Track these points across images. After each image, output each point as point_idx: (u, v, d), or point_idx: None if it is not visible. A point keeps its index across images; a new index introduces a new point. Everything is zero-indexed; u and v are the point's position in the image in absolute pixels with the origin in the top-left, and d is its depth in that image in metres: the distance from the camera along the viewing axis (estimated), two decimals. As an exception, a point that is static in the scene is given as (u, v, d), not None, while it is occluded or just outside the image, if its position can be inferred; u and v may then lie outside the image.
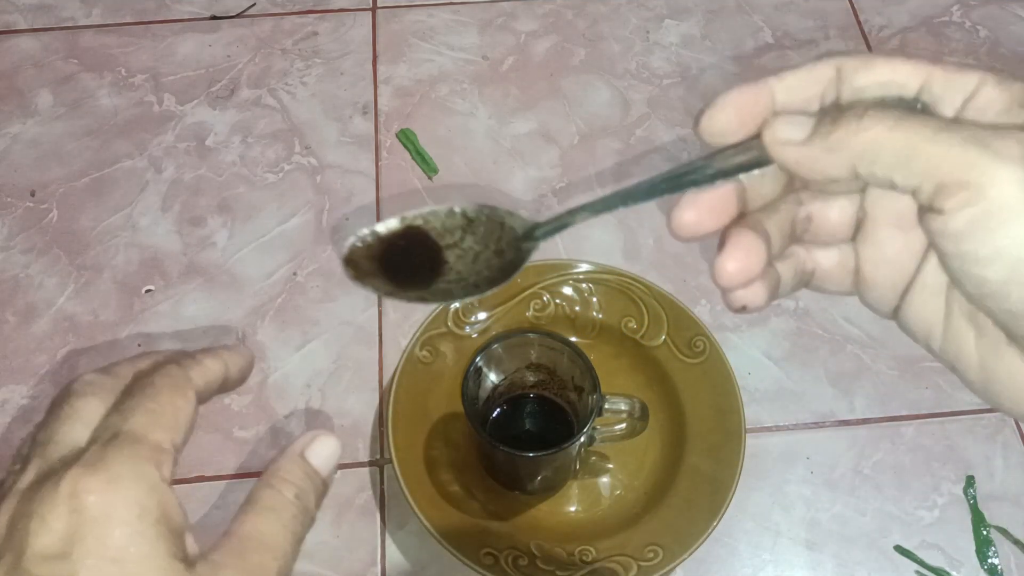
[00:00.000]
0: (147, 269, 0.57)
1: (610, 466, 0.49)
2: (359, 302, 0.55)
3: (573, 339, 0.51)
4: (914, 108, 0.20)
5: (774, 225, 0.22)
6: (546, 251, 0.57)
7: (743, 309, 0.22)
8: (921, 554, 0.47)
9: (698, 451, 0.48)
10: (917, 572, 0.47)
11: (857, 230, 0.22)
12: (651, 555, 0.44)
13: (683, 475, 0.47)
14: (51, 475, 0.19)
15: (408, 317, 0.55)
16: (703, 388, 0.49)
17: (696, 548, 0.44)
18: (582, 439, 0.43)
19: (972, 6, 0.71)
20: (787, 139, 0.20)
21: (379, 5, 0.70)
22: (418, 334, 0.50)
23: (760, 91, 0.21)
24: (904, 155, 0.18)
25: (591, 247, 0.57)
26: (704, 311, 0.55)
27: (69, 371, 0.53)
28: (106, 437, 0.20)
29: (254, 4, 0.70)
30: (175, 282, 0.56)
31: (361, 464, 0.50)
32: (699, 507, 0.45)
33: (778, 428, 0.51)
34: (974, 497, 0.49)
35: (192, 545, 0.20)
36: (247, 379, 0.25)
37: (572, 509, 0.48)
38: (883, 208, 0.21)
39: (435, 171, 0.61)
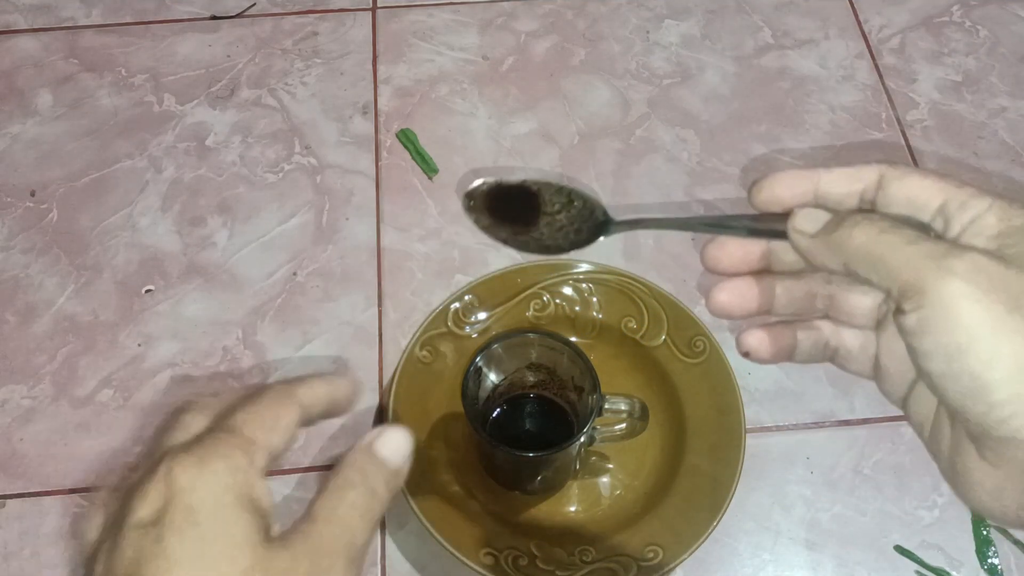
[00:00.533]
0: (147, 269, 0.57)
1: (610, 466, 0.49)
2: (359, 302, 0.55)
3: (573, 339, 0.51)
4: (923, 228, 0.24)
5: (788, 288, 0.27)
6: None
7: (746, 355, 0.27)
8: (921, 554, 0.47)
9: (698, 451, 0.48)
10: (917, 572, 0.47)
11: (879, 322, 0.26)
12: (651, 555, 0.44)
13: (683, 475, 0.47)
14: (156, 463, 0.21)
15: (408, 317, 0.55)
16: (703, 388, 0.49)
17: (696, 548, 0.44)
18: (582, 439, 0.43)
19: (972, 6, 0.71)
20: (802, 230, 0.24)
21: (379, 5, 0.70)
22: (418, 334, 0.50)
23: (809, 179, 0.25)
24: (879, 260, 0.22)
25: (591, 247, 0.57)
26: (704, 311, 0.55)
27: (69, 371, 0.53)
28: (207, 433, 0.22)
29: (254, 4, 0.70)
30: (175, 282, 0.56)
31: (361, 464, 0.50)
32: (699, 507, 0.45)
33: (778, 428, 0.51)
34: (974, 497, 0.49)
35: (276, 530, 0.22)
36: (353, 407, 0.26)
37: (572, 509, 0.48)
38: None
39: (435, 171, 0.61)
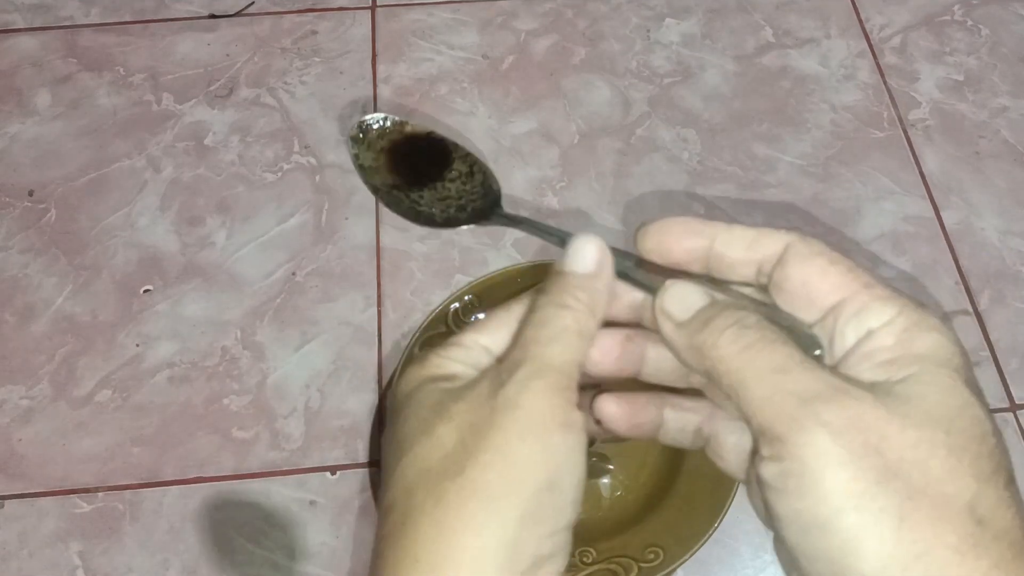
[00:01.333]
0: (146, 269, 0.57)
1: (610, 467, 0.49)
2: (358, 302, 0.55)
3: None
4: (810, 340, 0.20)
5: (660, 354, 0.23)
6: (546, 250, 0.57)
7: (598, 423, 0.23)
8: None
9: (699, 452, 0.47)
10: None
11: None
12: (652, 556, 0.44)
13: (684, 476, 0.47)
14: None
15: (408, 317, 0.54)
16: (704, 388, 0.49)
17: (697, 549, 0.44)
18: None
19: (973, 5, 0.70)
20: (668, 312, 0.21)
21: (378, 4, 0.70)
22: (418, 334, 0.50)
23: (704, 234, 0.21)
24: (740, 385, 0.19)
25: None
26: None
27: (68, 371, 0.53)
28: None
29: (253, 3, 0.70)
30: (174, 282, 0.56)
31: (361, 464, 0.50)
32: (700, 508, 0.45)
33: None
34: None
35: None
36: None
37: (572, 510, 0.48)
38: None
39: (435, 170, 0.61)
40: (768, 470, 0.18)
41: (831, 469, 0.17)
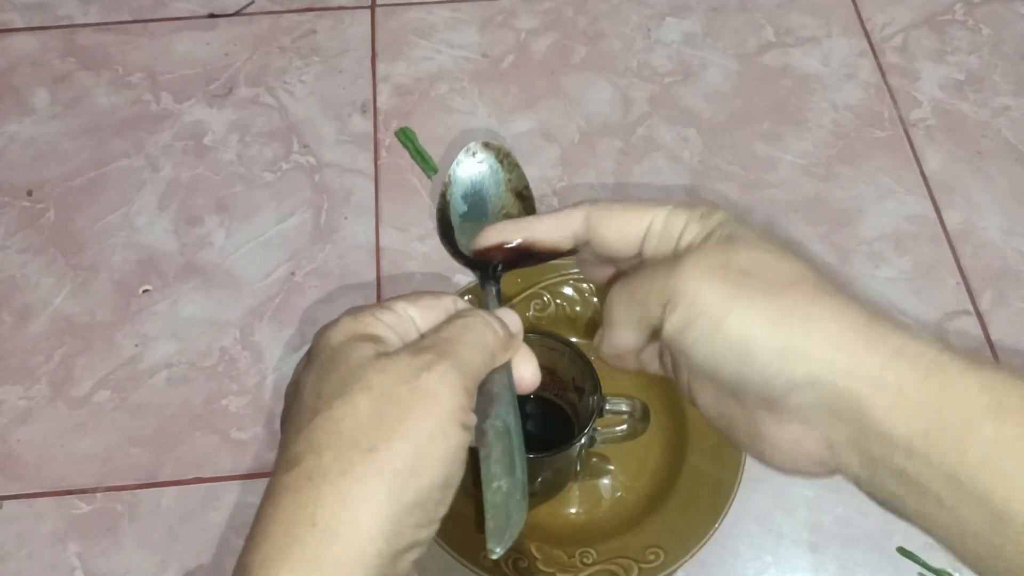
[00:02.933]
0: (144, 269, 0.56)
1: (611, 468, 0.49)
2: (358, 302, 0.55)
3: (574, 339, 0.51)
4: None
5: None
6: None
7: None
8: (924, 556, 0.47)
9: (700, 452, 0.47)
10: (920, 574, 0.47)
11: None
12: (652, 557, 0.44)
13: (685, 476, 0.47)
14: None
15: (407, 317, 0.54)
16: (705, 389, 0.49)
17: (698, 550, 0.43)
18: (583, 441, 0.43)
19: (975, 4, 0.70)
20: (599, 346, 0.29)
21: (378, 2, 0.69)
22: (417, 334, 0.50)
23: (521, 229, 0.28)
24: (637, 299, 0.25)
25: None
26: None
27: (66, 372, 0.52)
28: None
29: (252, 2, 0.69)
30: (172, 282, 0.56)
31: (360, 465, 0.49)
32: (701, 509, 0.45)
33: (780, 429, 0.51)
34: (978, 498, 0.49)
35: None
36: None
37: (573, 511, 0.48)
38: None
39: (435, 170, 0.61)
40: (669, 324, 0.24)
41: (703, 286, 0.24)
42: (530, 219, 0.28)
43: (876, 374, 0.22)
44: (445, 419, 0.23)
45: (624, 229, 0.27)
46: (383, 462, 0.22)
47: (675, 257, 0.25)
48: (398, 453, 0.22)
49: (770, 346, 0.22)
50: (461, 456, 0.23)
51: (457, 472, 0.23)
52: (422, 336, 0.26)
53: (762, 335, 0.23)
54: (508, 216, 0.33)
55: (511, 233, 0.28)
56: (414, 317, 0.26)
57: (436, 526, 0.24)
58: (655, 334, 0.27)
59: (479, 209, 0.33)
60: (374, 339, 0.24)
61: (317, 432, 0.22)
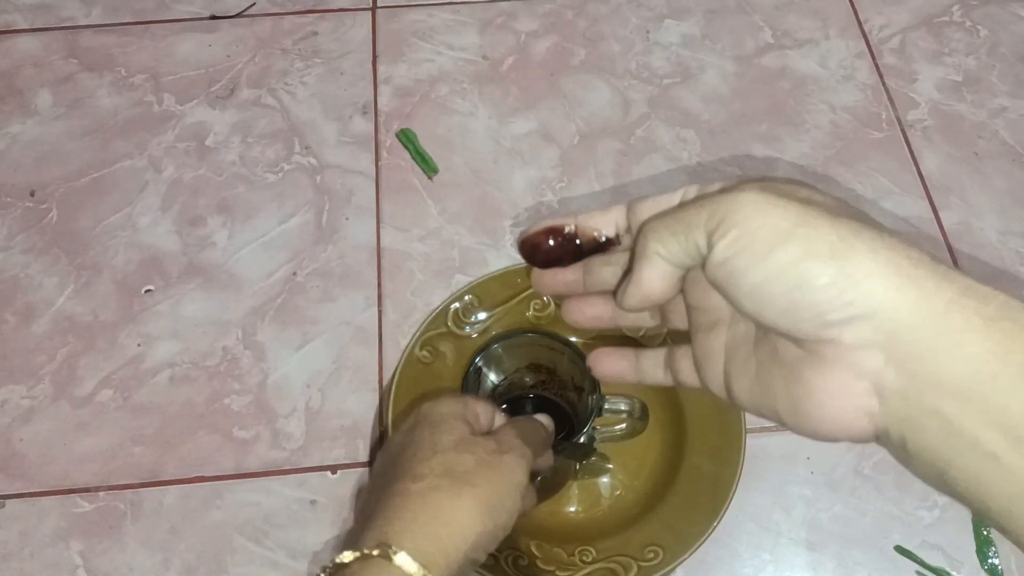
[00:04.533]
0: (147, 269, 0.57)
1: (610, 466, 0.49)
2: (359, 302, 0.55)
3: (573, 339, 0.51)
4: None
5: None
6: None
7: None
8: (922, 554, 0.47)
9: (698, 451, 0.48)
10: (918, 572, 0.47)
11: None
12: (651, 555, 0.44)
13: (683, 475, 0.47)
14: None
15: (408, 317, 0.54)
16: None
17: (696, 548, 0.44)
18: (582, 439, 0.43)
19: (972, 6, 0.70)
20: (622, 292, 0.26)
21: (379, 5, 0.70)
22: (418, 334, 0.50)
23: (566, 220, 0.29)
24: (680, 226, 0.24)
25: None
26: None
27: (69, 371, 0.53)
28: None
29: (254, 4, 0.70)
30: (175, 282, 0.56)
31: (362, 464, 0.50)
32: (699, 507, 0.45)
33: (779, 428, 0.51)
34: (975, 497, 0.49)
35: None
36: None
37: (572, 509, 0.48)
38: (695, 295, 0.26)
39: (435, 171, 0.61)
40: (720, 248, 0.22)
41: (766, 206, 0.22)
42: (577, 215, 0.29)
43: (941, 309, 0.20)
44: (514, 485, 0.34)
45: (660, 204, 0.26)
46: (479, 497, 0.33)
47: (723, 190, 0.24)
48: (489, 494, 0.33)
49: (829, 272, 0.21)
50: (516, 515, 0.34)
51: (510, 524, 0.34)
52: (491, 431, 0.38)
53: (822, 261, 0.21)
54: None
55: (560, 220, 0.28)
56: (480, 414, 0.38)
57: (495, 545, 0.34)
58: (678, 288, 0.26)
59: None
60: (466, 422, 0.37)
61: (437, 466, 0.34)
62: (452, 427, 0.36)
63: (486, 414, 0.39)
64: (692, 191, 0.26)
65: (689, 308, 0.27)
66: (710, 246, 0.23)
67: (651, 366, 0.29)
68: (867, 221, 0.22)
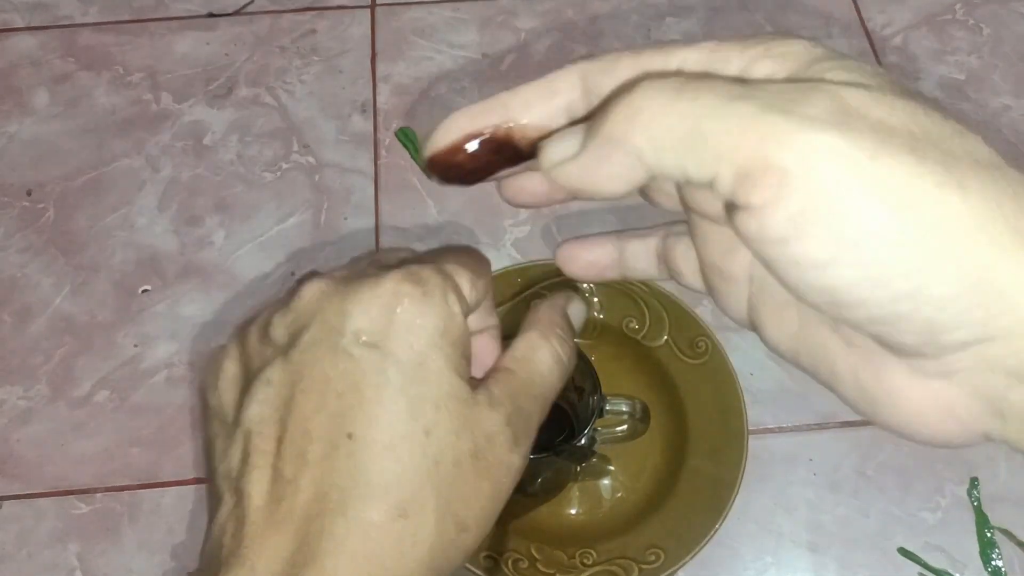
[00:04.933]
0: (144, 269, 0.56)
1: (611, 468, 0.49)
2: (358, 302, 0.55)
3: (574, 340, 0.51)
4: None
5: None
6: (546, 251, 0.56)
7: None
8: (924, 556, 0.47)
9: (700, 453, 0.47)
10: (920, 574, 0.47)
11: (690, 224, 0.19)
12: (652, 558, 0.44)
13: (685, 477, 0.47)
14: (371, 274, 0.21)
15: (407, 317, 0.54)
16: (705, 389, 0.49)
17: (698, 551, 0.43)
18: (583, 441, 0.43)
19: (975, 4, 0.70)
20: (560, 158, 0.16)
21: (378, 2, 0.69)
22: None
23: (490, 109, 0.19)
24: (690, 135, 0.14)
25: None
26: (706, 311, 0.54)
27: (66, 372, 0.52)
28: (422, 262, 0.21)
29: (252, 1, 0.69)
30: (172, 282, 0.56)
31: (360, 466, 0.49)
32: (701, 509, 0.45)
33: (781, 429, 0.51)
34: (978, 499, 0.49)
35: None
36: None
37: (573, 511, 0.48)
38: (697, 200, 0.18)
39: (434, 170, 0.61)
40: (775, 220, 0.14)
41: (858, 177, 0.13)
42: (499, 95, 0.19)
43: None
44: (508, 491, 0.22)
45: (643, 62, 0.17)
46: (468, 541, 0.21)
47: (752, 96, 0.14)
48: (480, 526, 0.21)
49: (961, 281, 0.14)
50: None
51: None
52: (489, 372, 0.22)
53: (951, 264, 0.14)
54: None
55: (481, 117, 0.19)
56: (485, 337, 0.24)
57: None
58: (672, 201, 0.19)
59: None
60: (464, 359, 0.22)
61: (417, 478, 0.21)
62: (443, 382, 0.20)
63: (491, 342, 0.23)
64: (693, 57, 0.16)
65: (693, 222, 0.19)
66: (744, 200, 0.14)
67: (639, 256, 0.21)
68: (989, 160, 0.14)
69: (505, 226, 0.58)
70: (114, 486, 0.49)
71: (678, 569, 0.44)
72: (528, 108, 0.18)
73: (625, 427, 0.46)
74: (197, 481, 0.49)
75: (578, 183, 0.16)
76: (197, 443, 0.50)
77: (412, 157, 0.61)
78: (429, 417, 0.19)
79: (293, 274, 0.56)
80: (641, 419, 0.45)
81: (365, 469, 0.18)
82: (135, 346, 0.53)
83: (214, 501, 0.20)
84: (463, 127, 0.19)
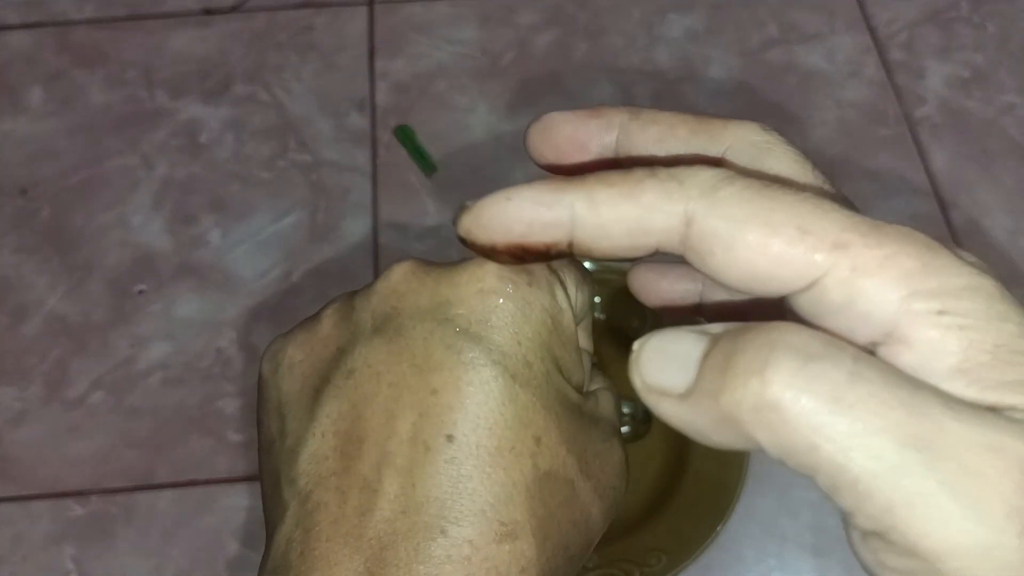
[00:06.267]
0: (139, 269, 0.56)
1: (612, 470, 0.48)
2: (356, 302, 0.54)
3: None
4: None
5: None
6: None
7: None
8: (930, 560, 0.47)
9: (702, 455, 0.47)
10: (926, 578, 0.46)
11: None
12: (654, 561, 0.44)
13: (687, 479, 0.46)
14: (469, 259, 0.18)
15: (406, 317, 0.54)
16: (707, 390, 0.48)
17: (700, 553, 0.43)
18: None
19: (981, 1, 0.69)
20: (659, 387, 0.13)
21: (376, -1, 0.69)
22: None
23: (558, 224, 0.15)
24: (820, 462, 0.12)
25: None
26: (708, 311, 0.54)
27: (60, 373, 0.52)
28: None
29: (249, -2, 0.69)
30: (167, 282, 0.55)
31: (358, 468, 0.49)
32: (703, 512, 0.44)
33: (783, 431, 0.50)
34: (984, 501, 0.48)
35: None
36: None
37: (573, 514, 0.47)
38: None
39: (433, 168, 0.60)
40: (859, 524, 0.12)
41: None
42: (568, 195, 0.14)
43: None
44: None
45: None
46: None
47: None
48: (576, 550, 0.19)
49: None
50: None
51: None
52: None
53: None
54: None
55: (542, 231, 0.15)
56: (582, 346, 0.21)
57: None
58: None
59: None
60: (580, 366, 0.21)
61: (528, 499, 0.19)
62: (551, 384, 0.17)
63: (583, 348, 0.19)
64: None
65: None
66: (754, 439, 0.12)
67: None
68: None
69: (505, 225, 0.57)
70: (109, 488, 0.48)
71: (680, 572, 0.43)
72: (608, 238, 0.14)
73: (627, 428, 0.45)
74: (192, 483, 0.48)
75: (677, 423, 0.13)
76: (194, 444, 0.49)
77: (409, 155, 0.61)
78: (539, 424, 0.16)
79: (290, 274, 0.56)
80: (643, 421, 0.44)
81: (468, 478, 0.15)
82: (130, 347, 0.53)
83: (277, 509, 0.17)
84: (517, 231, 0.15)
